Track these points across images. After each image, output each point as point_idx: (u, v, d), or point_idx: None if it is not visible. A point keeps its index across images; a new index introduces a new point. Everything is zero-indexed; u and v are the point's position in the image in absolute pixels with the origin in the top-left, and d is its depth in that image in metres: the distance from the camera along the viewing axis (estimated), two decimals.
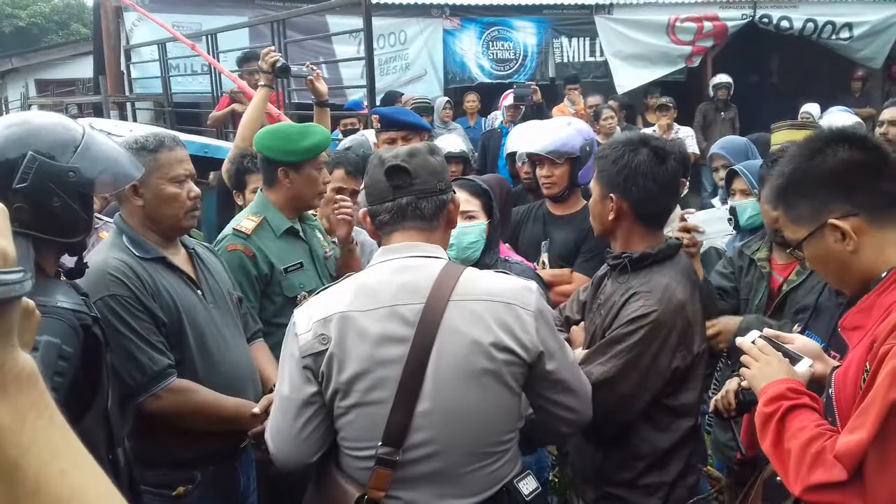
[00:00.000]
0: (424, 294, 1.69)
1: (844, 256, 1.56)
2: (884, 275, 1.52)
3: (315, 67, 4.27)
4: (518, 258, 2.99)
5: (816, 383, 1.74)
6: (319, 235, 3.03)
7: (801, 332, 2.01)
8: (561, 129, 3.41)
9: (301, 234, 2.91)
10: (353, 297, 1.73)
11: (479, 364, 1.67)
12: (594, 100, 7.62)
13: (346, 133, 5.82)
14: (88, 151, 1.77)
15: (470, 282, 1.73)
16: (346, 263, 2.92)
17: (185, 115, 9.29)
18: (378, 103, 6.63)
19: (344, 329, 1.69)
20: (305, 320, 1.73)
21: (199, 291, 2.37)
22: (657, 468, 2.17)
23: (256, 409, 2.28)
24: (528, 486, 1.78)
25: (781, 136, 3.77)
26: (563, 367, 1.79)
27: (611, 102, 7.79)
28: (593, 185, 2.27)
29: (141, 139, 2.29)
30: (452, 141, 5.06)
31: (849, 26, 9.86)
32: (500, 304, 1.71)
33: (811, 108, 6.92)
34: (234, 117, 6.37)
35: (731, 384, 2.01)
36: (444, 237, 1.88)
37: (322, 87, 4.04)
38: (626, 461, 2.17)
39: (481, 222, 2.64)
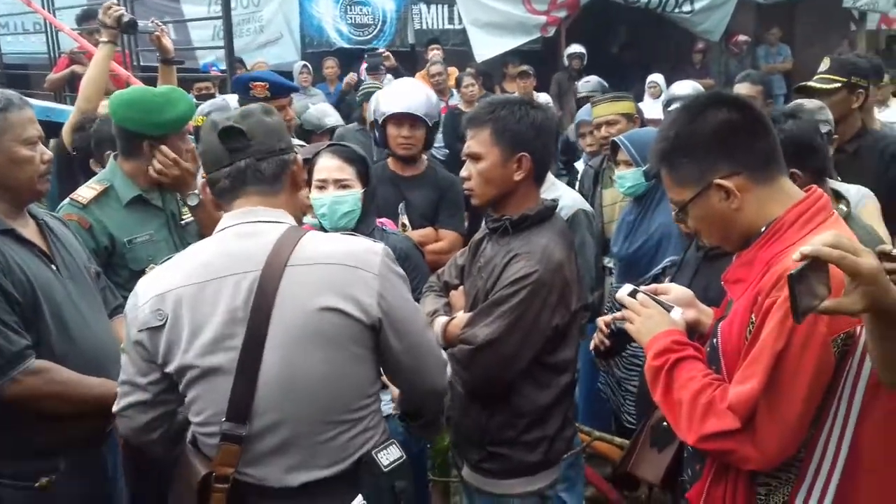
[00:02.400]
0: (261, 261, 1.63)
1: (729, 214, 1.62)
2: (763, 229, 1.59)
3: (161, 24, 4.06)
4: (393, 227, 2.97)
5: (691, 329, 1.84)
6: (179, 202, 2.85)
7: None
8: (421, 93, 3.49)
9: (157, 201, 2.73)
10: (190, 268, 1.67)
11: (319, 330, 1.63)
12: (436, 68, 7.62)
13: (200, 98, 5.55)
14: None
15: (309, 246, 1.67)
16: (204, 221, 2.71)
17: (15, 77, 8.51)
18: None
19: (180, 304, 1.63)
20: (145, 293, 1.67)
21: (53, 266, 2.18)
22: (538, 424, 2.23)
23: None
24: (388, 456, 1.74)
25: (603, 109, 3.99)
26: (410, 333, 1.74)
27: (469, 70, 7.82)
28: (486, 149, 2.17)
29: None
30: (328, 112, 5.02)
31: (690, 0, 10.39)
32: (340, 266, 1.66)
33: (657, 79, 7.30)
34: (75, 79, 5.90)
35: (602, 320, 2.09)
36: (289, 201, 1.81)
37: (168, 43, 3.87)
38: (510, 419, 2.22)
39: (356, 191, 2.57)
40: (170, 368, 1.66)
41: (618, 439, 3.33)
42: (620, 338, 2.04)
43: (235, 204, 1.73)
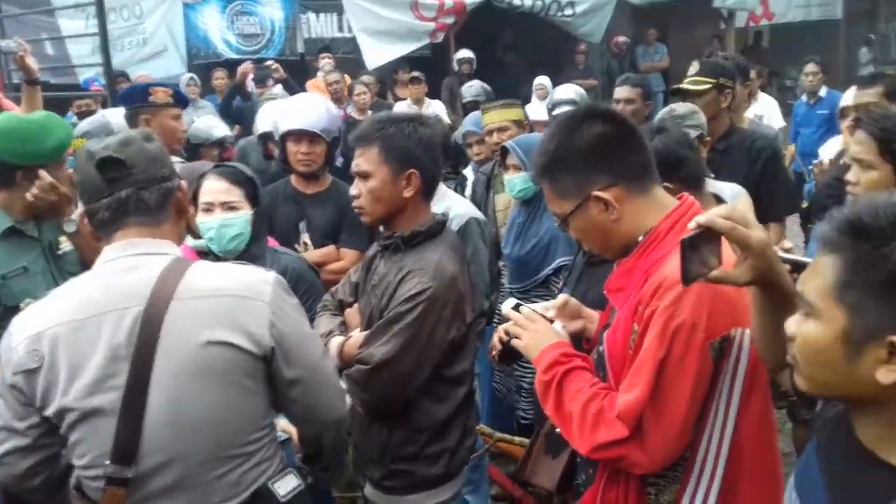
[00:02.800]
0: (144, 295, 1.56)
1: (608, 225, 1.66)
2: (640, 238, 1.65)
3: (23, 43, 3.86)
4: (285, 249, 2.92)
5: (579, 336, 1.90)
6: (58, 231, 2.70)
7: (562, 288, 2.18)
8: (321, 108, 3.40)
9: (32, 232, 2.57)
10: (68, 305, 1.59)
11: (207, 365, 1.57)
12: (334, 76, 7.57)
13: (81, 116, 5.33)
14: None
15: (196, 278, 1.61)
16: (83, 248, 2.56)
17: None
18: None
19: (57, 343, 1.55)
20: (19, 334, 1.58)
21: None
22: (438, 437, 2.24)
23: None
24: (285, 486, 1.69)
25: (493, 116, 4.07)
26: (304, 361, 1.70)
27: (364, 77, 7.78)
28: (374, 167, 2.15)
29: None
30: (215, 123, 4.86)
31: (571, 4, 10.69)
32: (229, 297, 1.61)
33: (544, 81, 7.45)
34: None
35: (497, 336, 2.08)
36: (174, 230, 1.75)
37: (32, 64, 3.66)
38: (410, 435, 2.22)
39: (244, 213, 2.49)
40: (49, 412, 1.57)
41: (517, 439, 3.41)
42: (511, 351, 2.08)
43: (116, 236, 1.65)
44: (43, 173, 2.49)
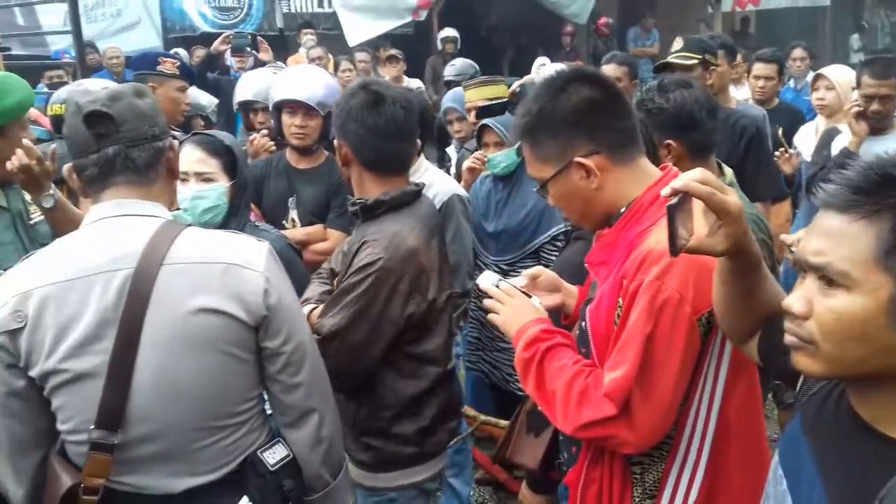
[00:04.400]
0: (135, 258, 1.51)
1: (588, 193, 1.60)
2: (623, 210, 1.59)
3: None
4: (266, 227, 2.82)
5: (557, 311, 1.83)
6: (28, 198, 2.62)
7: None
8: (320, 82, 3.28)
9: (1, 200, 2.51)
10: (56, 266, 1.53)
11: (198, 333, 1.54)
12: (317, 52, 7.44)
13: (52, 87, 5.18)
14: None
15: (187, 244, 1.57)
16: (60, 224, 2.50)
17: None
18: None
19: (44, 304, 1.49)
20: (3, 295, 1.52)
21: None
22: (409, 416, 2.18)
23: None
24: (274, 455, 1.68)
25: (474, 94, 4.00)
26: (292, 339, 1.66)
27: (358, 55, 7.63)
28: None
29: None
30: (200, 94, 4.77)
31: None
32: (222, 265, 1.57)
33: (545, 60, 7.33)
34: None
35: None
36: (165, 191, 1.69)
37: None
38: (375, 410, 2.17)
39: (220, 184, 2.38)
40: (32, 373, 1.52)
41: (503, 422, 3.36)
42: None
43: (105, 195, 1.59)
44: (28, 144, 2.40)
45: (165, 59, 3.72)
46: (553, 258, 3.25)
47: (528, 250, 3.27)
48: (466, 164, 3.34)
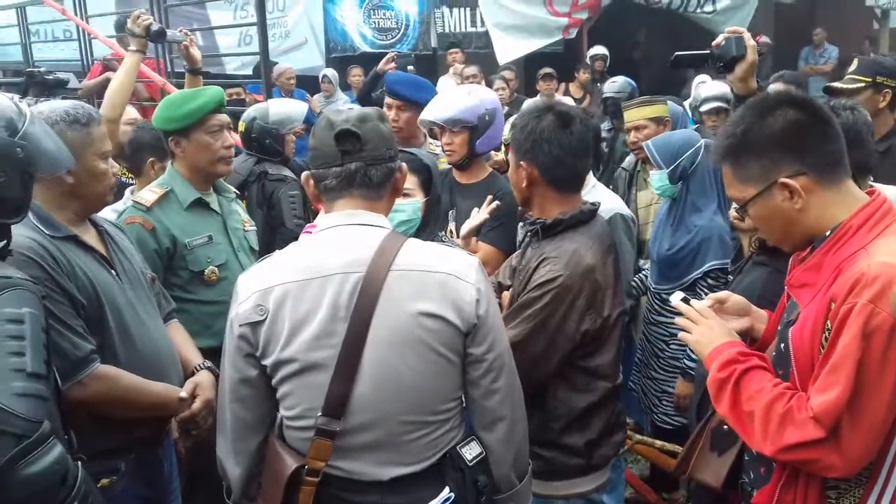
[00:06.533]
0: (365, 263, 1.67)
1: (791, 215, 1.62)
2: (828, 233, 1.59)
3: (189, 33, 4.09)
4: (450, 240, 2.95)
5: (744, 335, 1.84)
6: (238, 209, 2.92)
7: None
8: (458, 99, 3.35)
9: (215, 205, 2.80)
10: (294, 266, 1.70)
11: (417, 334, 1.67)
12: (471, 70, 7.61)
13: (230, 104, 5.59)
14: (34, 128, 1.70)
15: (411, 252, 1.72)
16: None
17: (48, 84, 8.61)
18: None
19: (283, 300, 1.66)
20: (246, 290, 1.70)
21: (113, 271, 2.22)
22: (578, 428, 2.24)
23: (183, 394, 2.21)
24: (471, 451, 1.79)
25: (632, 114, 4.02)
26: (495, 348, 1.77)
27: (505, 73, 7.73)
28: (510, 155, 2.30)
29: (71, 112, 2.14)
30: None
31: (712, 0, 10.34)
32: (441, 274, 1.71)
33: (705, 78, 7.18)
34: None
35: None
36: (388, 206, 1.86)
37: (196, 53, 3.91)
38: (545, 422, 2.23)
39: (416, 200, 2.54)
40: (266, 362, 1.69)
41: (658, 442, 3.35)
42: None
43: (338, 204, 1.76)
44: None
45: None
46: (705, 294, 3.20)
47: (684, 283, 3.24)
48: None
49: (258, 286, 1.69)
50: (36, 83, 4.44)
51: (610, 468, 2.39)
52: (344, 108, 1.90)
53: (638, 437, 3.40)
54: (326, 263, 1.69)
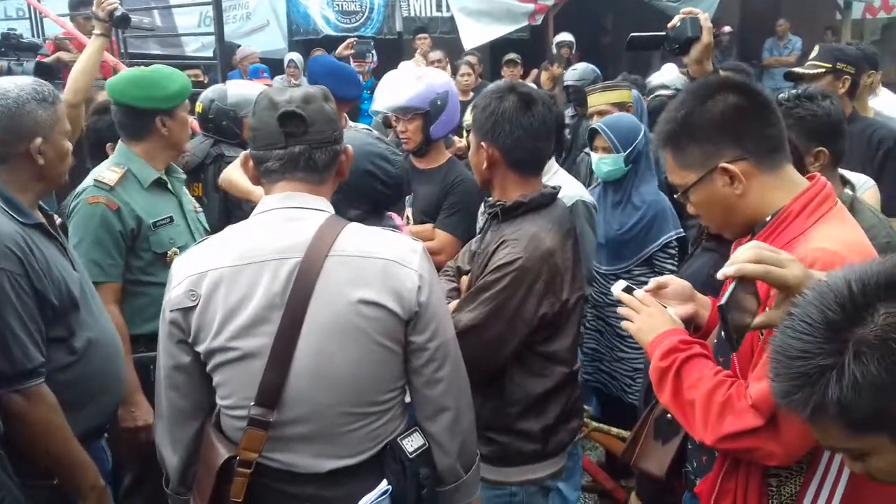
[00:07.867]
0: (302, 248, 1.61)
1: (731, 200, 1.60)
2: (768, 219, 1.58)
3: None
4: (400, 222, 2.91)
5: (688, 322, 1.82)
6: (186, 190, 2.86)
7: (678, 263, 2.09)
8: (408, 86, 3.29)
9: (169, 186, 2.74)
10: (228, 251, 1.65)
11: (355, 322, 1.62)
12: (435, 55, 7.55)
13: None
14: None
15: (351, 237, 1.66)
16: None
17: None
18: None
19: (216, 285, 1.61)
20: (179, 274, 1.65)
21: (68, 259, 2.14)
22: (534, 414, 2.22)
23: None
24: (413, 443, 1.75)
25: (594, 99, 4.03)
26: (438, 336, 1.73)
27: (469, 57, 7.66)
28: (471, 136, 2.26)
29: (39, 90, 2.02)
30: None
31: None
32: (382, 260, 1.65)
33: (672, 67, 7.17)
34: (61, 66, 5.80)
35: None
36: (331, 189, 1.79)
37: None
38: (502, 407, 2.21)
39: None
40: (199, 349, 1.64)
41: (614, 430, 3.35)
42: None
43: (278, 186, 1.70)
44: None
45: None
46: (667, 266, 3.24)
47: (640, 258, 3.25)
48: None
49: (192, 270, 1.63)
50: (11, 46, 4.28)
51: (567, 456, 2.38)
52: (286, 87, 1.82)
53: (594, 424, 3.40)
54: (262, 248, 1.63)
